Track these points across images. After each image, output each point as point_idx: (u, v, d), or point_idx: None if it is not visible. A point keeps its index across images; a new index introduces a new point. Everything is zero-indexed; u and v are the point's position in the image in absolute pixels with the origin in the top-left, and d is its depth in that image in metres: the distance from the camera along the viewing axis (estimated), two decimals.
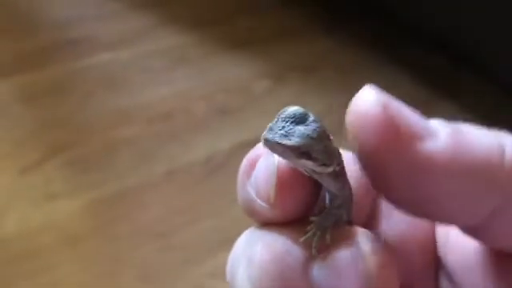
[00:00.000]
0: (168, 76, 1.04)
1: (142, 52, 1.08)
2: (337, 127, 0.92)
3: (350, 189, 0.23)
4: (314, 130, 0.21)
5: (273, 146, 0.21)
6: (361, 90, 0.21)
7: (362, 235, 0.21)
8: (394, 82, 1.02)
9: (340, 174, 0.22)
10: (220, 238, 0.76)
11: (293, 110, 0.21)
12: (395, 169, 0.20)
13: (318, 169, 0.21)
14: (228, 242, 0.82)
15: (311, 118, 0.21)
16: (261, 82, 1.03)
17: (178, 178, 0.85)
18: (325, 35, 1.16)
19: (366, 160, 0.20)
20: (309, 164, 0.21)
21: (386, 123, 0.19)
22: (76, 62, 1.04)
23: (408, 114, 0.20)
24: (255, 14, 1.21)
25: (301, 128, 0.21)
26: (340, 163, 0.22)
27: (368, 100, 0.20)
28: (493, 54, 0.97)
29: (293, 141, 0.20)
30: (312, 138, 0.21)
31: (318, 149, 0.21)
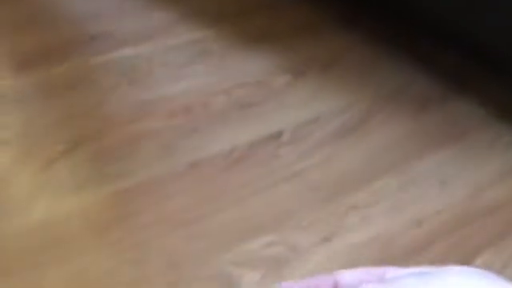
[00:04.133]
0: (188, 70, 1.05)
1: (163, 46, 1.09)
2: (356, 122, 0.93)
3: None
4: None
5: None
6: None
7: None
8: (410, 78, 1.02)
9: None
10: (242, 227, 0.77)
11: None
12: None
13: None
14: (250, 231, 0.83)
15: None
16: (281, 76, 1.04)
17: (201, 169, 0.87)
18: (344, 31, 1.16)
19: None
20: None
21: None
22: (98, 56, 1.06)
23: None
24: (275, 8, 1.22)
25: None
26: None
27: None
28: (508, 52, 0.97)
29: None
30: None
31: None
